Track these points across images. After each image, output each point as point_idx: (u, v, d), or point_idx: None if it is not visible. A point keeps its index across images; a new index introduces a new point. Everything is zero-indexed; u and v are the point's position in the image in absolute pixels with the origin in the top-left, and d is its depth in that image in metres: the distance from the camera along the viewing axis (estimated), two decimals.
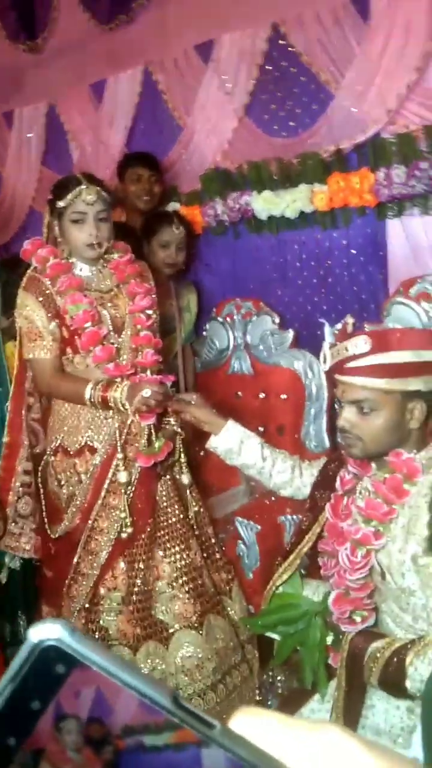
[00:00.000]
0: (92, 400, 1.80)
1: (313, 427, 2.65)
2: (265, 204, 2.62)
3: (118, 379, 1.83)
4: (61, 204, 1.85)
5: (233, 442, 1.75)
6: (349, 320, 1.44)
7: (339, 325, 1.47)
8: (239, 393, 2.81)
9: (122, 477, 1.85)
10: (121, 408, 1.79)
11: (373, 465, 1.46)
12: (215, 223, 2.80)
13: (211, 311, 2.87)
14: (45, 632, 0.28)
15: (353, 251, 2.63)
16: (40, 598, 2.13)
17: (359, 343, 1.35)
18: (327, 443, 2.61)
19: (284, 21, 2.51)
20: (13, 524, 2.00)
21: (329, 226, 2.62)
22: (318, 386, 2.65)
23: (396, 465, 1.38)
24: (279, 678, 1.90)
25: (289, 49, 2.53)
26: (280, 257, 2.81)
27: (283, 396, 2.71)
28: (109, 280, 1.96)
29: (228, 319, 2.84)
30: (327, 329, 1.46)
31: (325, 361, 1.43)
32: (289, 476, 1.72)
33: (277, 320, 2.74)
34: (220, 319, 2.85)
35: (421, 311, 2.35)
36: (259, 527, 2.31)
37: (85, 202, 1.83)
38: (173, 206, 2.84)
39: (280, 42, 2.55)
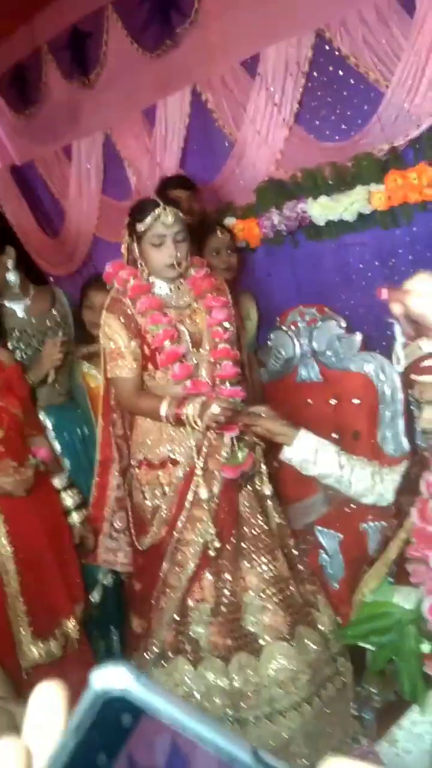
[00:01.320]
0: (167, 416, 1.84)
1: (389, 430, 2.59)
2: (322, 210, 2.61)
3: (193, 397, 1.85)
4: (140, 228, 1.89)
5: (308, 452, 1.73)
6: None
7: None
8: (309, 400, 2.78)
9: (203, 493, 1.86)
10: (193, 425, 1.81)
11: None
12: (273, 234, 2.80)
13: (274, 321, 2.86)
14: (109, 680, 0.25)
15: (418, 247, 2.58)
16: (129, 611, 2.15)
17: None
18: (406, 447, 2.54)
19: (328, 26, 2.50)
20: (109, 539, 2.05)
21: (390, 225, 2.57)
22: (392, 388, 2.59)
23: None
24: (374, 690, 1.85)
25: (335, 53, 2.53)
26: (342, 261, 2.78)
27: (356, 401, 2.66)
28: (187, 296, 1.99)
29: (292, 326, 2.83)
30: (397, 328, 1.42)
31: (398, 362, 1.40)
32: (370, 483, 1.69)
33: (344, 324, 2.70)
34: (284, 327, 2.84)
35: None
36: (341, 536, 2.27)
37: (164, 225, 1.86)
38: (229, 221, 2.87)
39: (326, 47, 2.55)
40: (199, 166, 3.01)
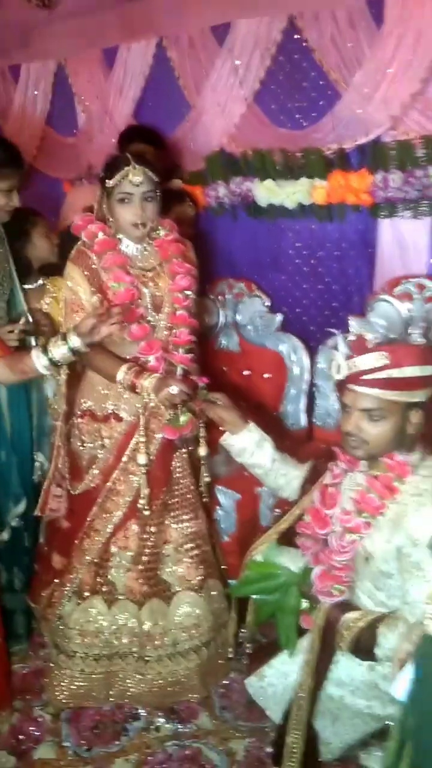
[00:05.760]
0: (122, 382, 1.90)
1: (291, 406, 2.85)
2: (266, 192, 2.73)
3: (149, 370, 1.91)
4: (109, 183, 1.91)
5: (250, 443, 1.88)
6: (368, 336, 1.58)
7: (351, 337, 1.60)
8: (225, 368, 2.98)
9: (141, 459, 1.96)
10: (147, 397, 1.90)
11: (363, 462, 1.66)
12: (215, 204, 2.90)
13: (203, 287, 2.98)
14: None
15: (344, 245, 2.78)
16: (51, 548, 2.24)
17: (378, 358, 1.51)
18: (303, 422, 2.81)
19: (301, 15, 2.56)
20: (56, 486, 2.08)
21: (324, 219, 2.75)
22: (300, 369, 2.83)
23: (389, 465, 1.58)
24: (250, 635, 2.12)
25: (303, 43, 2.60)
26: (274, 243, 2.93)
27: (266, 375, 2.89)
28: (152, 258, 2.02)
29: (220, 297, 2.98)
30: (340, 339, 1.59)
31: (338, 371, 1.58)
32: (289, 479, 1.89)
33: (267, 303, 2.89)
34: (212, 296, 2.99)
35: (402, 309, 2.54)
36: (238, 496, 2.50)
37: (131, 183, 1.88)
38: (176, 184, 2.92)
39: (295, 36, 2.61)
40: (152, 121, 2.99)
